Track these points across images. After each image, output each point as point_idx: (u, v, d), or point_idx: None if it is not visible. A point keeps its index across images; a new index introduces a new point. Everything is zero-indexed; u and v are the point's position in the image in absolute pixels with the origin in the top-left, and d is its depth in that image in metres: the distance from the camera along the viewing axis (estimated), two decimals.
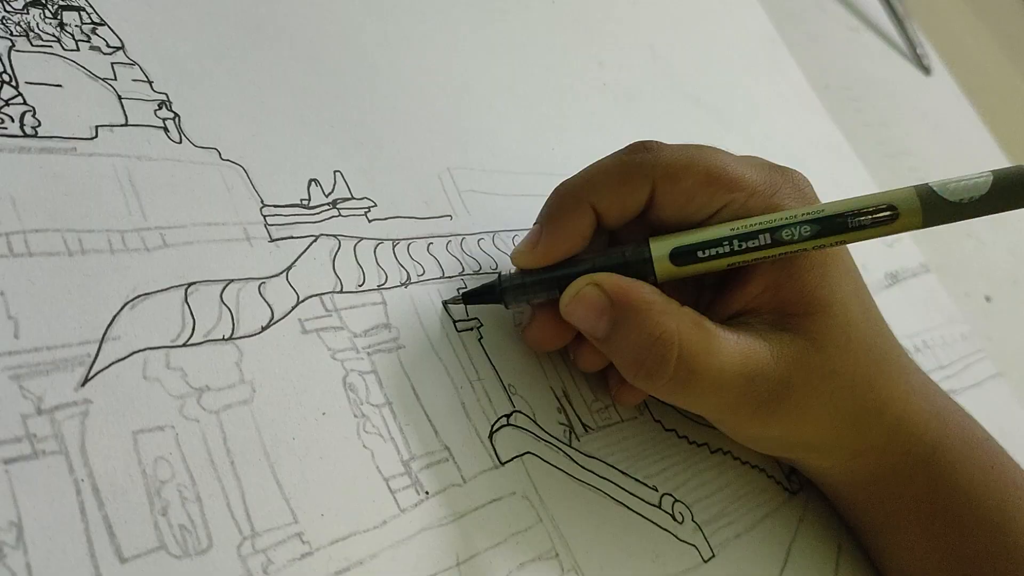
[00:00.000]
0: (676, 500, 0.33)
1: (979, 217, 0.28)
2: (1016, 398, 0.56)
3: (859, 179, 0.62)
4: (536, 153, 0.40)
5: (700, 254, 0.29)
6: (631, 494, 0.32)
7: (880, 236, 0.28)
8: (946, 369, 0.52)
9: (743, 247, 0.28)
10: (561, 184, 0.30)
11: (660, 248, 0.29)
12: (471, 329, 0.32)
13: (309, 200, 0.30)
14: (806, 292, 0.30)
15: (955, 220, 0.28)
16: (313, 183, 0.31)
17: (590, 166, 0.30)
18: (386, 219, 0.32)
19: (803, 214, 0.28)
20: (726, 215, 0.29)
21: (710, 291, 0.32)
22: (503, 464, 0.29)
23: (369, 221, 0.31)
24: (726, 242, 0.28)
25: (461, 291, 0.31)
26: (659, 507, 0.32)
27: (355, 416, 0.27)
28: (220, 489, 0.23)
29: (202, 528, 0.23)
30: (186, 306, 0.25)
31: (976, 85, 0.92)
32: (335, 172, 0.32)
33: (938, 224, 0.28)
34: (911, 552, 0.34)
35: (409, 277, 0.31)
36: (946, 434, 0.33)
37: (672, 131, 0.49)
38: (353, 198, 0.32)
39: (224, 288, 0.26)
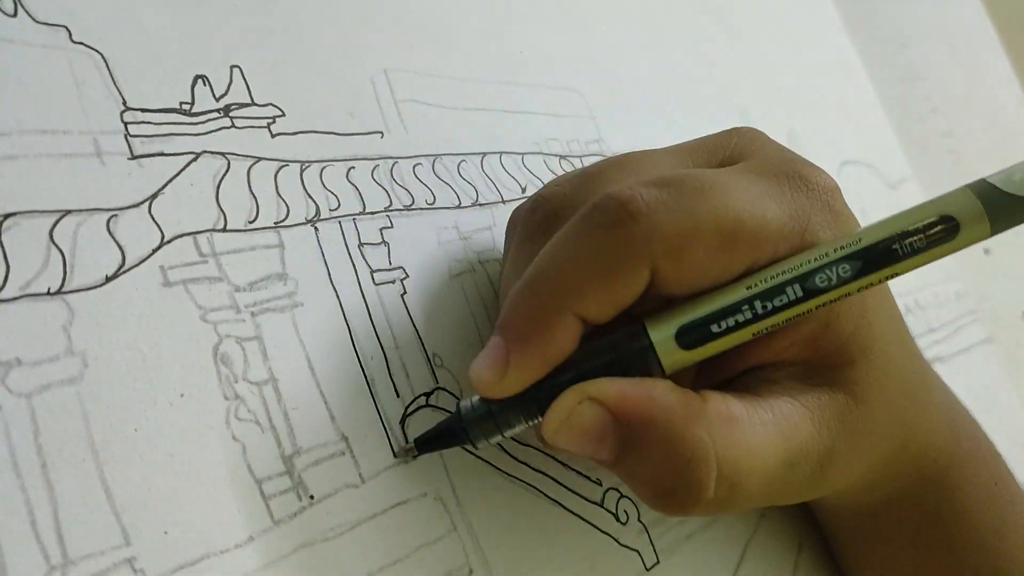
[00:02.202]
0: (622, 496, 0.28)
1: None
2: (1003, 367, 0.52)
3: (867, 104, 0.55)
4: (500, 57, 0.33)
5: (715, 328, 0.21)
6: (569, 490, 0.27)
7: (938, 259, 0.21)
8: (936, 332, 0.48)
9: (769, 308, 0.21)
10: (528, 286, 0.22)
11: (661, 331, 0.22)
12: (393, 282, 0.26)
13: (192, 104, 0.23)
14: (845, 340, 0.23)
15: None
16: (200, 81, 0.24)
17: (560, 251, 0.22)
18: (295, 134, 0.25)
19: (836, 250, 0.21)
20: (747, 274, 0.22)
21: None
22: (415, 457, 0.24)
23: (272, 136, 0.25)
24: (745, 307, 0.21)
25: (414, 440, 0.24)
26: (601, 505, 0.27)
27: (225, 398, 0.21)
28: (23, 502, 0.18)
29: None
30: None
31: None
32: (232, 68, 0.25)
33: (1006, 229, 0.21)
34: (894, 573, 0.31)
35: (318, 212, 0.25)
36: (957, 451, 0.29)
37: (672, 39, 0.42)
38: (254, 104, 0.25)
39: (56, 222, 0.20)
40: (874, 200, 0.49)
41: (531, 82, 0.33)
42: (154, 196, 0.22)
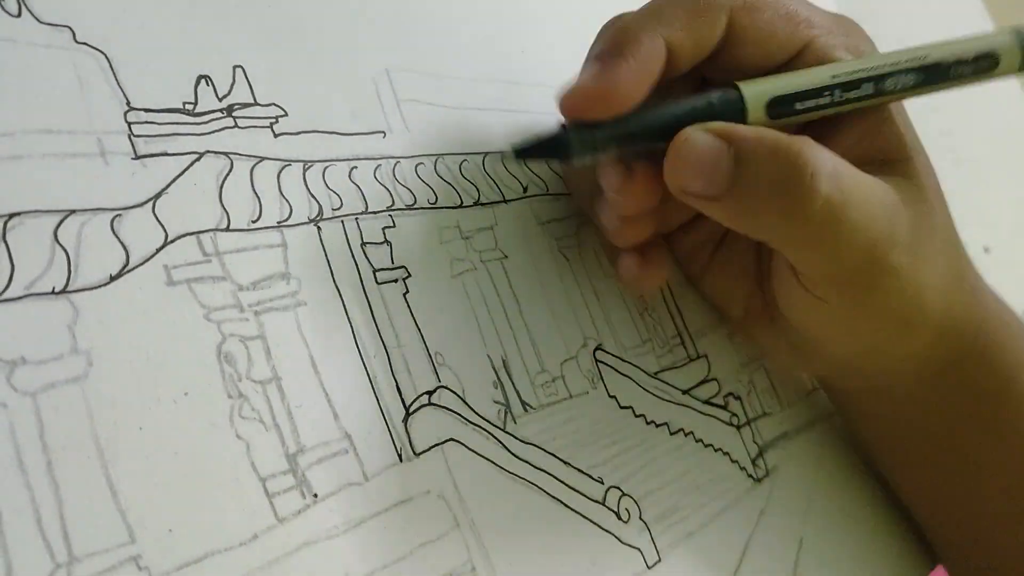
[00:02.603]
0: (623, 494, 0.28)
1: None
2: None
3: None
4: (501, 56, 0.33)
5: (798, 105, 0.26)
6: (571, 488, 0.27)
7: (977, 83, 0.27)
8: None
9: (844, 98, 0.26)
10: (618, 19, 0.26)
11: (755, 95, 0.25)
12: (395, 281, 0.26)
13: (195, 104, 0.23)
14: (900, 135, 0.27)
15: None
16: (203, 81, 0.24)
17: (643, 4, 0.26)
18: (298, 133, 0.25)
19: (906, 61, 0.26)
20: (809, 57, 0.26)
21: None
22: (418, 455, 0.24)
23: (275, 135, 0.25)
24: (827, 92, 0.25)
25: (515, 147, 0.25)
26: (603, 503, 0.27)
27: (229, 397, 0.21)
28: (28, 500, 0.18)
29: None
30: (3, 245, 0.19)
31: None
32: (235, 68, 0.25)
33: None
34: (967, 458, 0.31)
35: (320, 211, 0.25)
36: (992, 318, 0.30)
37: None
38: (256, 104, 0.25)
39: (61, 222, 0.20)
40: None
41: (532, 81, 0.33)
42: (158, 196, 0.22)
